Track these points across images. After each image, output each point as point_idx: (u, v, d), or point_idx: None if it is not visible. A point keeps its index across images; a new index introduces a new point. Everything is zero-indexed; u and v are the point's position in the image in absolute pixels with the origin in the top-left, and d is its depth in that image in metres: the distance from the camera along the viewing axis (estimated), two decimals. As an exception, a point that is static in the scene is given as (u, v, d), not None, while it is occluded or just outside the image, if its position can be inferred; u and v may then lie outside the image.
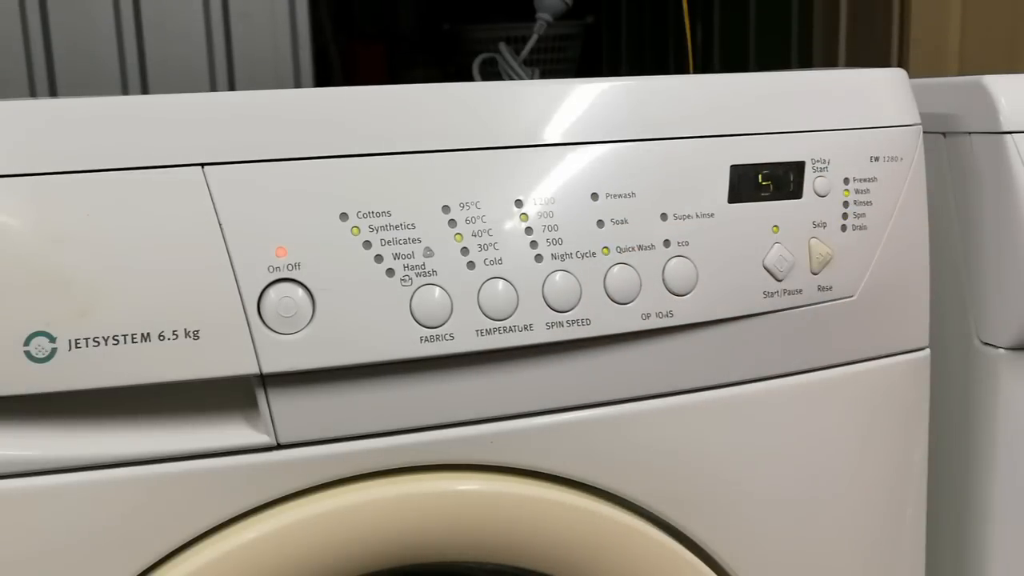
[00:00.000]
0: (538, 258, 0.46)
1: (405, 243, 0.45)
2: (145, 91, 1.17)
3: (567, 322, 0.46)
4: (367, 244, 0.44)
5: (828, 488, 0.54)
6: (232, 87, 1.20)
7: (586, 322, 0.47)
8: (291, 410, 0.44)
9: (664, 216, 0.48)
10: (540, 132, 0.47)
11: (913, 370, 0.56)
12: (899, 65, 1.31)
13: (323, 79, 1.28)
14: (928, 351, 0.56)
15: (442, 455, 0.46)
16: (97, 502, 0.43)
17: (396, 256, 0.44)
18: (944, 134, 0.58)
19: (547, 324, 0.46)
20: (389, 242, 0.44)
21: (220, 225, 0.43)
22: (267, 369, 0.43)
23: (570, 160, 0.47)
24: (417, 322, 0.44)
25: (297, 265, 0.43)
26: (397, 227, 0.45)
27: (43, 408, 0.43)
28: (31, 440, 0.43)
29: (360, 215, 0.44)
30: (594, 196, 0.47)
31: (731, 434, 0.51)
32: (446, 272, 0.45)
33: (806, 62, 1.47)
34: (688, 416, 0.50)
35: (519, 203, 0.46)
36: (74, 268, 0.41)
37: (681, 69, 1.66)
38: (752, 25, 1.58)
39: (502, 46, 1.11)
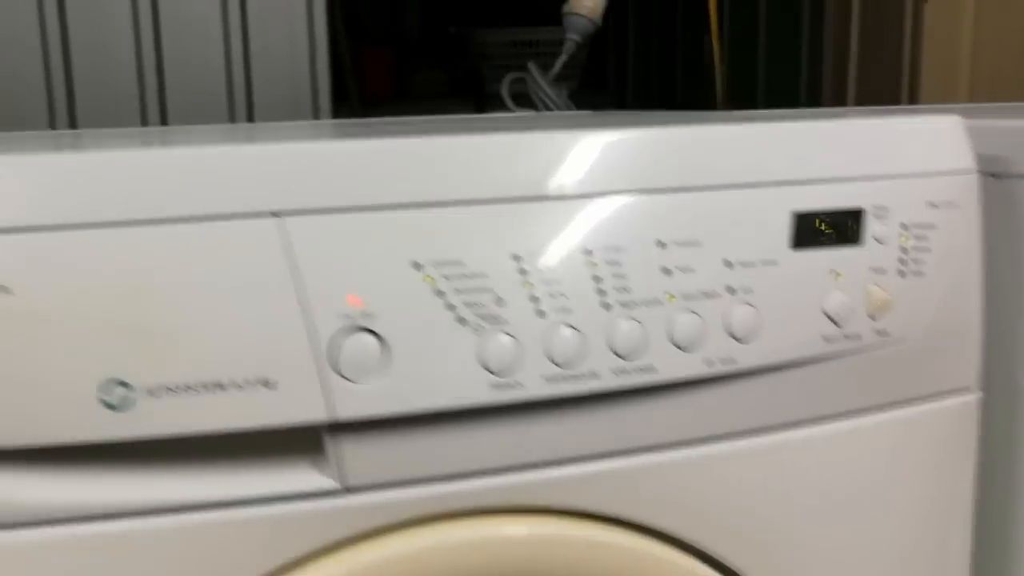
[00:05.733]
0: (605, 306, 0.46)
1: (476, 292, 0.45)
2: (161, 90, 1.17)
3: (633, 369, 0.47)
4: (439, 293, 0.44)
5: (881, 526, 0.54)
6: (249, 89, 1.20)
7: (651, 369, 0.47)
8: (358, 455, 0.44)
9: (728, 263, 0.49)
10: (608, 180, 0.47)
11: (963, 412, 0.56)
12: (910, 94, 1.32)
13: (336, 82, 1.28)
14: (979, 393, 0.56)
15: (507, 498, 0.46)
16: (166, 547, 0.43)
17: (468, 304, 0.45)
18: (996, 175, 0.58)
19: (613, 371, 0.46)
20: (461, 291, 0.45)
21: (294, 275, 0.43)
22: (340, 417, 0.43)
23: (637, 208, 0.47)
24: (487, 369, 0.45)
25: (370, 314, 0.43)
26: (469, 276, 0.45)
27: (114, 454, 0.43)
28: (103, 485, 0.43)
29: (433, 264, 0.44)
30: (660, 244, 0.48)
31: (786, 475, 0.51)
32: (516, 320, 0.45)
33: (815, 94, 1.48)
34: (746, 458, 0.50)
35: (587, 252, 0.46)
36: (152, 318, 0.41)
37: (697, 89, 1.66)
38: (761, 57, 1.57)
39: (531, 66, 1.11)
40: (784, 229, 0.50)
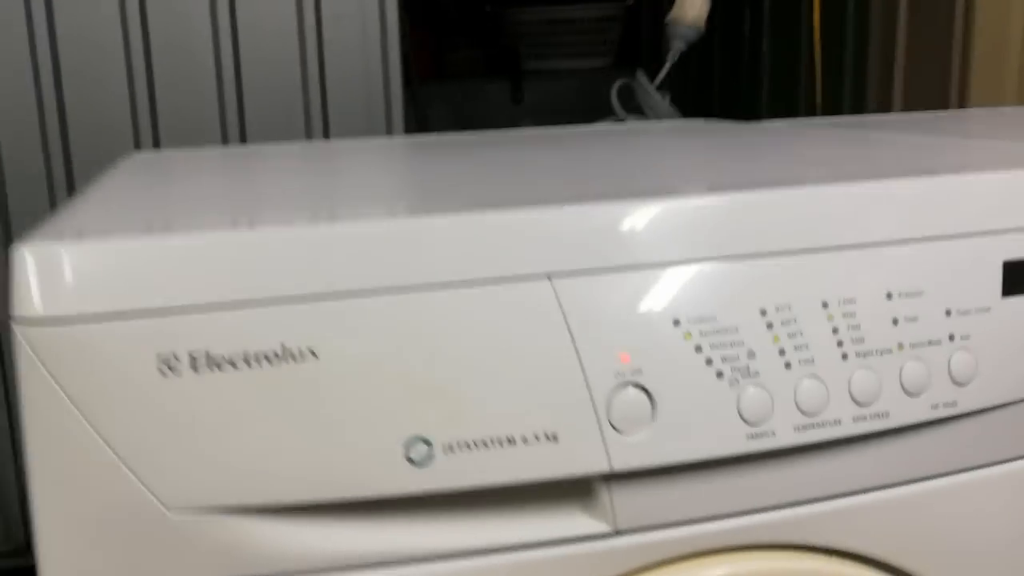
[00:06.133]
0: (844, 356, 0.49)
1: (730, 346, 0.48)
2: (239, 88, 1.20)
3: (869, 415, 0.50)
4: (698, 348, 0.47)
5: (1072, 557, 0.57)
6: (323, 85, 1.23)
7: (885, 415, 0.50)
8: (628, 501, 0.47)
9: (948, 312, 0.52)
10: (843, 234, 0.50)
11: None
12: (960, 98, 1.33)
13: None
14: None
15: (760, 536, 0.49)
16: (449, 588, 0.46)
17: (723, 359, 0.47)
18: None
19: (853, 418, 0.49)
20: (716, 345, 0.47)
21: (571, 334, 0.46)
22: (616, 468, 0.46)
23: (867, 261, 0.50)
24: (744, 420, 0.48)
25: (639, 370, 0.46)
26: (722, 331, 0.48)
27: (397, 504, 0.46)
28: (397, 534, 0.46)
29: (690, 320, 0.47)
30: (888, 295, 0.50)
31: (1011, 507, 0.54)
32: (767, 372, 0.48)
33: (860, 100, 1.49)
34: (971, 492, 0.53)
35: (825, 304, 0.49)
36: (447, 378, 0.44)
37: (736, 81, 1.67)
38: (804, 63, 1.58)
39: (639, 73, 1.13)
40: (995, 277, 0.53)
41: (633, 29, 2.13)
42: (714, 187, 0.50)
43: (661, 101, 1.13)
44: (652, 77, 1.11)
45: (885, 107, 1.43)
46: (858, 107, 1.48)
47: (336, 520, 0.45)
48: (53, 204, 1.17)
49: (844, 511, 0.51)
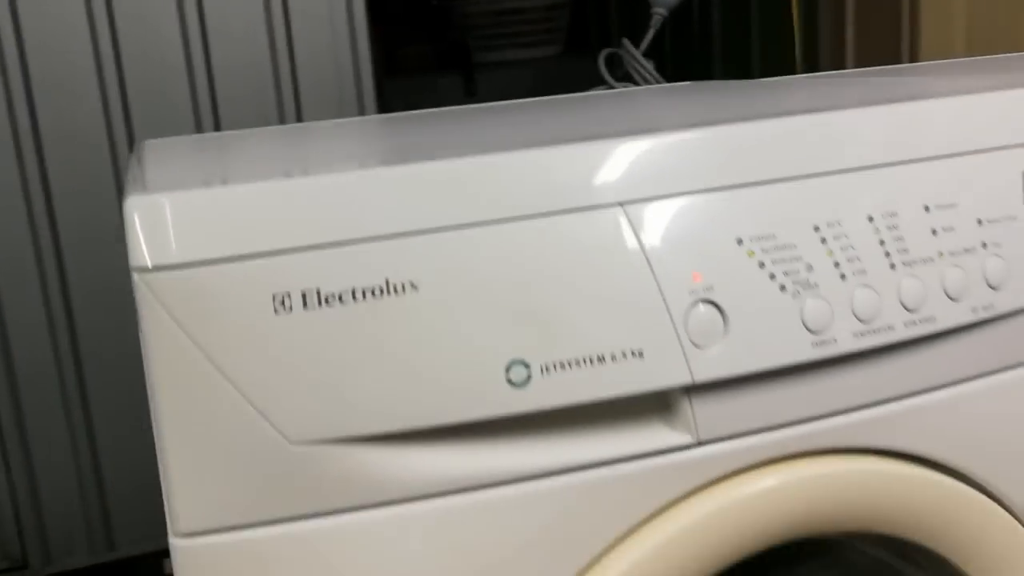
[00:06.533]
0: (892, 266, 0.53)
1: (790, 261, 0.51)
2: (213, 97, 1.21)
3: (919, 320, 0.53)
4: (761, 264, 0.51)
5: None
6: (295, 81, 1.24)
7: (932, 319, 0.54)
8: (707, 412, 0.50)
9: (979, 221, 0.56)
10: (883, 153, 0.54)
11: None
12: (911, 52, 1.38)
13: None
14: None
15: (826, 441, 0.53)
16: (548, 506, 0.49)
17: (785, 273, 0.51)
18: None
19: (904, 323, 0.53)
20: (777, 261, 0.51)
21: (646, 257, 0.49)
22: (698, 379, 0.49)
23: (906, 177, 0.54)
24: (807, 329, 0.51)
25: (711, 287, 0.49)
26: (781, 247, 0.51)
27: (488, 430, 0.49)
28: (493, 457, 0.48)
29: (751, 239, 0.51)
30: (926, 208, 0.54)
31: (1041, 407, 0.58)
32: (824, 284, 0.51)
33: (812, 58, 1.53)
34: (1011, 391, 0.57)
35: (871, 219, 0.53)
36: (540, 303, 0.47)
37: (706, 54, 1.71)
38: (755, 27, 1.61)
39: (625, 42, 1.17)
40: (1017, 187, 0.57)
41: (581, 15, 2.16)
42: (758, 115, 0.53)
43: (649, 67, 1.16)
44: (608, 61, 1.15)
45: (839, 65, 1.47)
46: (812, 67, 1.53)
47: (443, 446, 0.47)
48: (30, 211, 1.17)
49: (900, 414, 0.54)
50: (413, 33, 2.21)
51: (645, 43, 1.18)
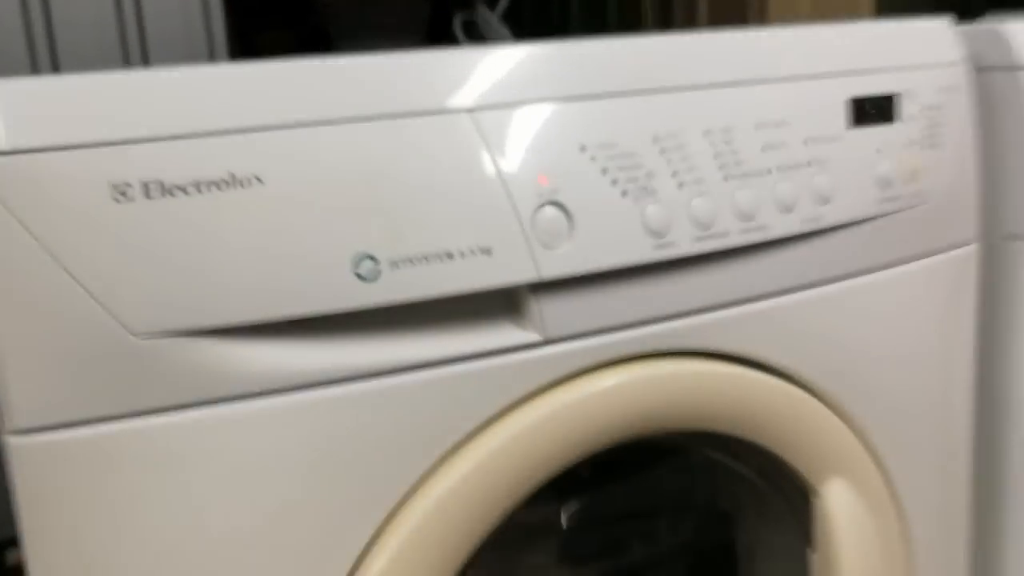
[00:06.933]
0: (726, 178, 0.56)
1: (631, 168, 0.53)
2: (51, 39, 1.17)
3: (753, 228, 0.57)
4: (604, 170, 0.53)
5: (918, 347, 0.66)
6: (142, 35, 1.21)
7: (765, 227, 0.57)
8: (555, 311, 0.52)
9: (807, 140, 0.59)
10: (717, 73, 0.57)
11: (970, 258, 0.69)
12: (760, 13, 1.46)
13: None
14: (977, 244, 0.70)
15: (669, 343, 0.55)
16: (399, 403, 0.50)
17: (627, 179, 0.53)
18: (977, 69, 0.72)
19: (739, 231, 0.56)
20: (619, 168, 0.53)
21: (494, 161, 0.50)
22: (544, 276, 0.51)
23: (739, 96, 0.57)
24: (649, 232, 0.53)
25: (557, 190, 0.51)
26: (623, 155, 0.53)
27: (339, 326, 0.49)
28: (343, 352, 0.49)
29: (595, 146, 0.53)
30: (758, 125, 0.58)
31: (857, 314, 0.62)
32: (663, 191, 0.54)
33: (667, 15, 1.59)
34: (829, 301, 0.61)
35: (707, 133, 0.56)
36: (386, 201, 0.48)
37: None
38: None
39: (480, 7, 1.18)
40: (842, 112, 0.61)
41: (443, 6, 2.18)
42: (608, 37, 0.56)
43: (506, 32, 1.18)
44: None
45: (691, 24, 1.53)
46: (666, 24, 1.58)
47: (294, 341, 0.48)
48: None
49: (734, 319, 0.58)
50: (273, 20, 2.18)
51: (501, 7, 1.20)
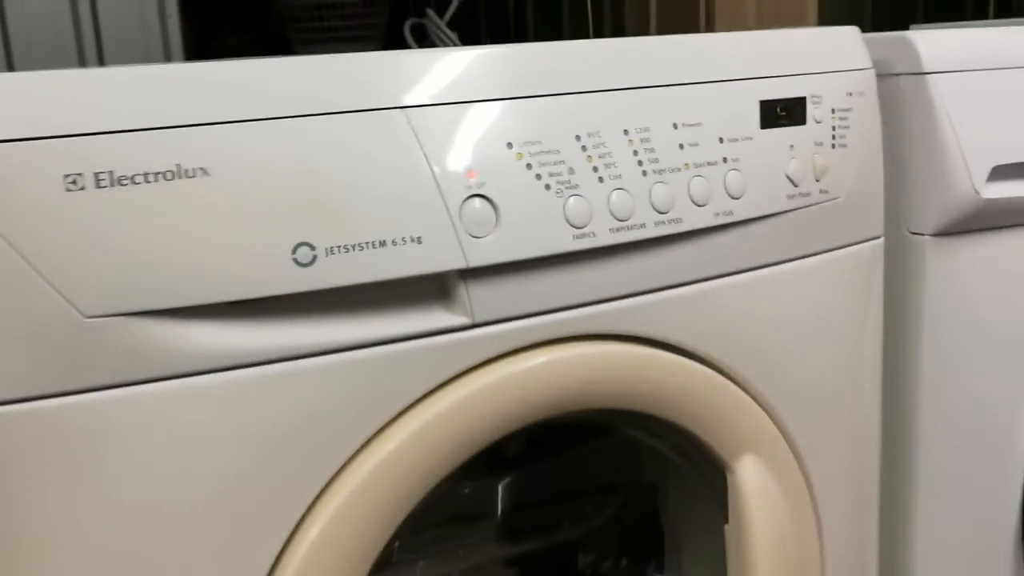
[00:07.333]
0: (644, 173, 0.60)
1: (554, 164, 0.57)
2: (5, 38, 1.18)
3: (667, 220, 0.61)
4: (528, 166, 0.57)
5: (828, 334, 0.71)
6: (98, 34, 1.23)
7: (679, 220, 0.62)
8: (483, 296, 0.56)
9: (721, 139, 0.64)
10: (643, 77, 0.61)
11: (876, 252, 0.74)
12: (707, 24, 1.52)
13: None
14: (883, 238, 0.75)
15: (588, 327, 0.60)
16: (333, 381, 0.53)
17: (550, 174, 0.57)
18: (880, 75, 0.77)
19: (655, 223, 0.61)
20: (543, 164, 0.57)
21: (425, 155, 0.54)
22: (471, 264, 0.55)
23: (657, 98, 0.62)
24: (569, 224, 0.58)
25: (484, 184, 0.55)
26: (547, 152, 0.57)
27: (280, 309, 0.53)
28: (279, 333, 0.53)
29: (521, 143, 0.57)
30: (675, 126, 0.62)
31: (769, 302, 0.67)
32: (585, 185, 0.58)
33: (618, 25, 1.64)
34: (741, 289, 0.66)
35: (626, 132, 0.60)
36: (324, 193, 0.51)
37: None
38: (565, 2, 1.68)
39: (430, 12, 1.22)
40: (754, 113, 0.66)
41: (400, 13, 2.21)
42: (535, 43, 0.60)
43: (453, 37, 1.22)
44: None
45: (643, 32, 1.59)
46: (618, 31, 1.63)
47: (234, 322, 0.51)
48: None
49: (651, 305, 0.62)
50: (231, 25, 2.19)
51: (450, 12, 1.24)
